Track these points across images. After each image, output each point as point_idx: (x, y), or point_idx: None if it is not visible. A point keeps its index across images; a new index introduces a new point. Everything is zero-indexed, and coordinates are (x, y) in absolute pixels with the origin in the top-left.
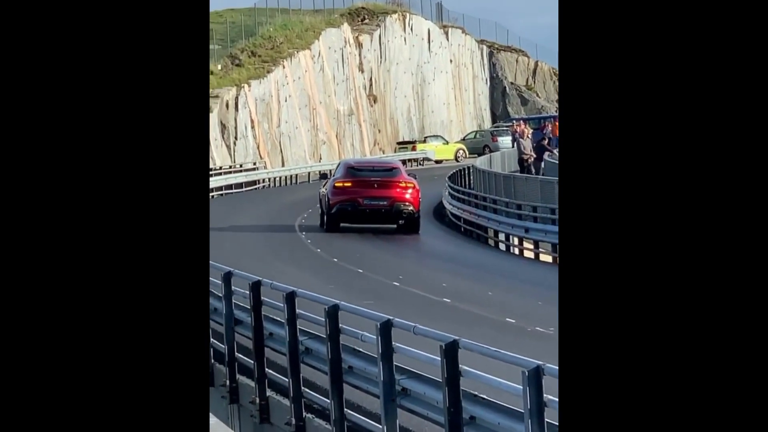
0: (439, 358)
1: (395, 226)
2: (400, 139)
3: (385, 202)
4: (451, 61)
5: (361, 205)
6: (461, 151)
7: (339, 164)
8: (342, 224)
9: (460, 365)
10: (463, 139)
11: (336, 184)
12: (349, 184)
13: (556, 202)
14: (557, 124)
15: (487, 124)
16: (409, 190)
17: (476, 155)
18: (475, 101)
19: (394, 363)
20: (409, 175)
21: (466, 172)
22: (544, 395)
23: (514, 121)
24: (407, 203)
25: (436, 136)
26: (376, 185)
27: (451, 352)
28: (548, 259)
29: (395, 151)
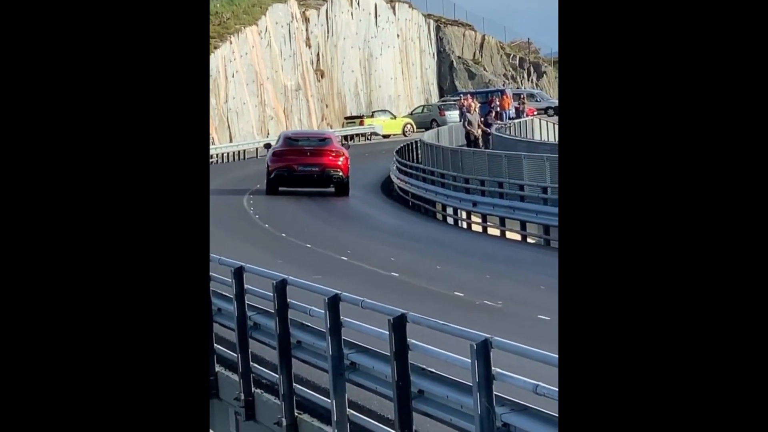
0: (388, 332)
1: (331, 189)
2: (348, 114)
3: (316, 169)
4: (398, 35)
5: (296, 171)
6: (409, 126)
7: (279, 135)
8: (280, 188)
9: (408, 339)
10: (411, 114)
11: (275, 153)
12: (285, 153)
13: (504, 176)
14: (505, 97)
15: (435, 99)
16: (340, 159)
17: (424, 129)
18: (422, 76)
19: (343, 337)
20: (343, 145)
21: (414, 146)
22: (492, 368)
23: (462, 96)
24: (337, 169)
25: (383, 111)
26: (309, 153)
27: (399, 326)
28: (496, 232)
29: (343, 126)
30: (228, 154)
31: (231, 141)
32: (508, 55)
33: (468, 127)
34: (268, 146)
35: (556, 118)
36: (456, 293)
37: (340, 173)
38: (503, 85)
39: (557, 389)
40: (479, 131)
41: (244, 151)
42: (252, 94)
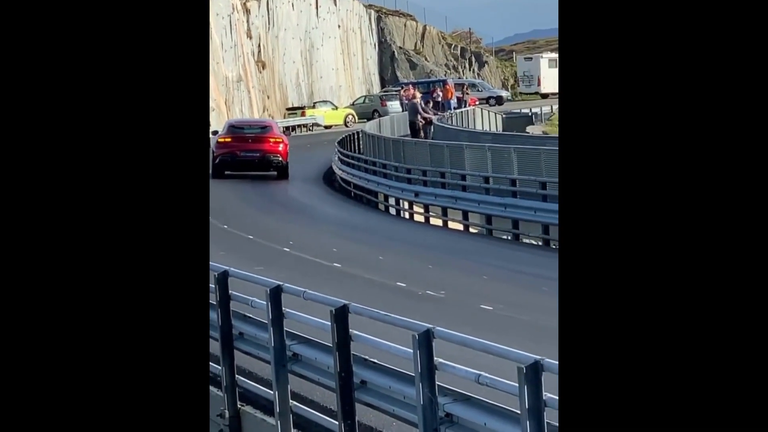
0: (330, 323)
1: (273, 173)
2: (290, 105)
3: (257, 154)
4: (339, 26)
5: (239, 156)
6: (350, 116)
7: (225, 124)
8: (226, 172)
9: (350, 330)
10: (353, 104)
11: (219, 140)
12: (229, 140)
13: (446, 166)
14: (447, 87)
15: (376, 89)
16: (280, 145)
17: (365, 120)
18: (363, 66)
19: (285, 329)
20: (284, 133)
21: (356, 137)
22: (435, 358)
23: (402, 86)
24: (277, 155)
25: (325, 102)
26: (250, 140)
27: (341, 316)
28: (438, 222)
29: (284, 117)
30: None
31: None
32: (449, 45)
33: (418, 117)
34: (215, 133)
35: (497, 108)
36: (398, 283)
37: (280, 158)
38: (445, 75)
39: (499, 379)
40: (422, 122)
41: None
42: None
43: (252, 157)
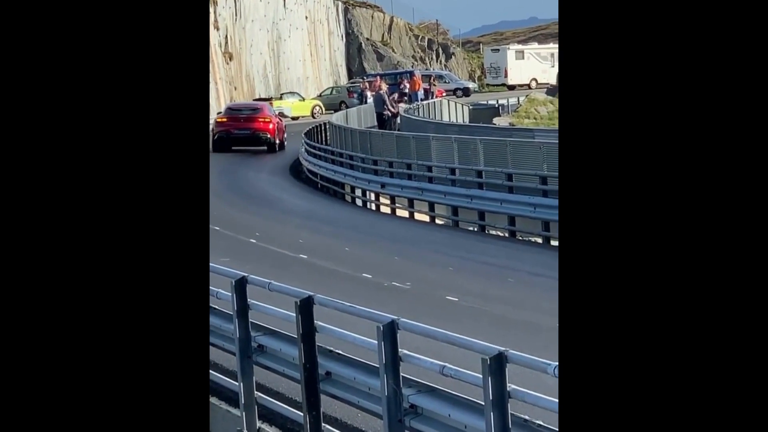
0: (295, 315)
1: (264, 147)
2: (257, 96)
3: (248, 132)
4: (306, 17)
5: (233, 133)
6: (317, 108)
7: (225, 107)
8: (223, 147)
9: (315, 321)
10: (320, 96)
11: (217, 120)
12: (225, 120)
13: (412, 157)
14: (415, 78)
15: (344, 81)
16: (269, 124)
17: (333, 111)
18: (331, 58)
19: (250, 320)
20: (276, 116)
21: (323, 128)
22: (400, 350)
23: (364, 78)
24: (266, 132)
25: (292, 93)
26: (243, 120)
27: (306, 308)
28: (404, 214)
29: None
30: None
31: None
32: (416, 37)
33: (384, 109)
34: (220, 113)
35: (464, 99)
36: (364, 275)
37: (268, 135)
38: (412, 67)
39: (464, 370)
40: (390, 113)
41: None
42: None
43: (244, 134)
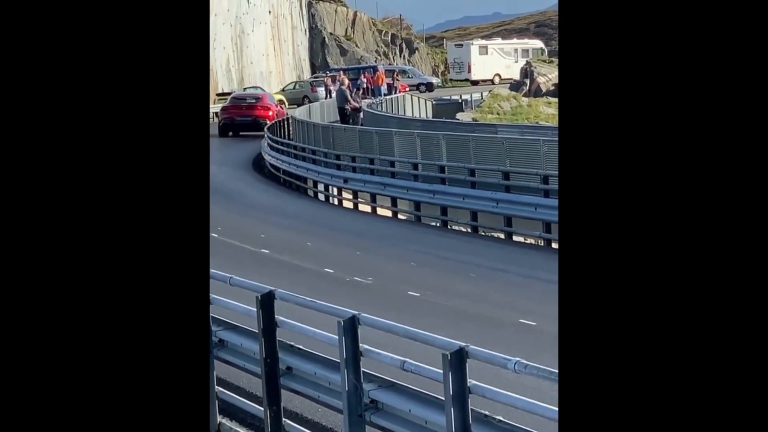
0: (256, 309)
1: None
2: (219, 91)
3: (250, 119)
4: (270, 12)
5: (236, 120)
6: (281, 102)
7: (230, 96)
8: (229, 132)
9: (276, 316)
10: (283, 90)
11: (223, 107)
12: (229, 107)
13: (375, 152)
14: (379, 73)
15: (307, 75)
16: (269, 112)
17: (296, 106)
18: (294, 52)
19: (211, 315)
20: (276, 105)
21: (285, 122)
22: (360, 345)
23: (327, 73)
24: (265, 119)
25: (255, 87)
26: (244, 108)
27: (267, 302)
28: (367, 209)
29: (214, 103)
30: None
31: None
32: (380, 32)
33: (346, 104)
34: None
35: (427, 94)
36: (326, 270)
37: (267, 122)
38: (376, 62)
39: (424, 365)
40: (350, 108)
41: None
42: None
43: (246, 120)
